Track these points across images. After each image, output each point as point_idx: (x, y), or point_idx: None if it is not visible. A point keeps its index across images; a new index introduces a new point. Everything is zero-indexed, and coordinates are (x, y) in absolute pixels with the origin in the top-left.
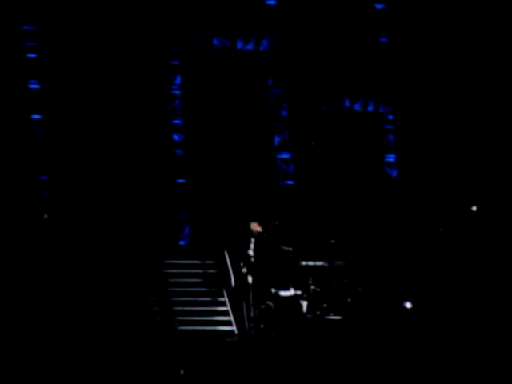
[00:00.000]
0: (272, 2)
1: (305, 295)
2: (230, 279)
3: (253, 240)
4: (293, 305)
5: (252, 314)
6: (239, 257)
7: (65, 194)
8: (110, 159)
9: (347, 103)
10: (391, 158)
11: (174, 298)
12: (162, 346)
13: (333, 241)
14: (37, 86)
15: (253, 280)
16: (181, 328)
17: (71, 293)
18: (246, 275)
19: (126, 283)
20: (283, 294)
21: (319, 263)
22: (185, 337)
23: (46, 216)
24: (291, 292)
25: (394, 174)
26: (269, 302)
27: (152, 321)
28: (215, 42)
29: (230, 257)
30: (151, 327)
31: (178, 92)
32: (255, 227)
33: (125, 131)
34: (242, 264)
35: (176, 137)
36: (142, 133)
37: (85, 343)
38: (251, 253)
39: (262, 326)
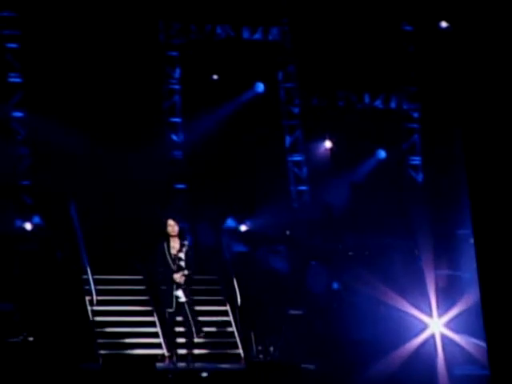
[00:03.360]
0: None
1: None
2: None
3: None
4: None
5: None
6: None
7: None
8: (103, 159)
9: (367, 99)
10: (417, 160)
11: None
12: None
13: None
14: (18, 80)
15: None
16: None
17: None
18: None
19: None
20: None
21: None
22: None
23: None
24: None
25: (420, 178)
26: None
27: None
28: (218, 30)
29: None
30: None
31: (176, 86)
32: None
33: (118, 129)
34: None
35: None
36: (138, 130)
37: None
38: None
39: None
